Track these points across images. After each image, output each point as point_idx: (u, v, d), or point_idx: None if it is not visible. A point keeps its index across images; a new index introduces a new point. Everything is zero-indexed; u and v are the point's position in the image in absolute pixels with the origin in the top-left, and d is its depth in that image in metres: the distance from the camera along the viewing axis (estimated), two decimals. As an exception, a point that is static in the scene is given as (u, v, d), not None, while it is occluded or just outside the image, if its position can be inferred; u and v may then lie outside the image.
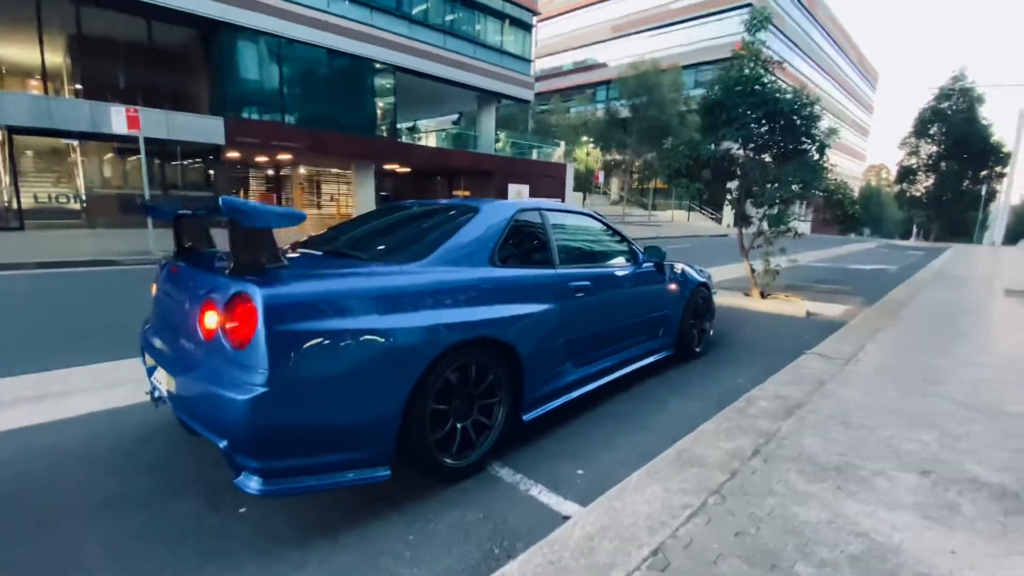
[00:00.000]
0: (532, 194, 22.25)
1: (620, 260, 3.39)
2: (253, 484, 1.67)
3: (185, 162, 15.98)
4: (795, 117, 7.38)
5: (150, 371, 2.18)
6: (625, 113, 31.27)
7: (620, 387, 3.32)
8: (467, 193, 22.88)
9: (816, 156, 7.43)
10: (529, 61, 22.40)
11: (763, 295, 7.11)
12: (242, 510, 1.96)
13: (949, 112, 29.67)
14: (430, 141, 23.46)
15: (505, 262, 2.48)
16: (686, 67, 37.22)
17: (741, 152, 8.04)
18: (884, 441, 2.43)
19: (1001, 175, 29.61)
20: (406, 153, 19.37)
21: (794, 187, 7.20)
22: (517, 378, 2.40)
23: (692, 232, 25.32)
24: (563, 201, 24.71)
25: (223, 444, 1.66)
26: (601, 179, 26.50)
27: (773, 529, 1.72)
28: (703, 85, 39.00)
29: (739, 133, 7.69)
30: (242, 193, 21.81)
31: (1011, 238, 34.81)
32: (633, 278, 3.34)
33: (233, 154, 16.17)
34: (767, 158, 8.01)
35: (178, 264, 2.15)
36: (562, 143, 32.38)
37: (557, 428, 2.74)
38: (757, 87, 7.70)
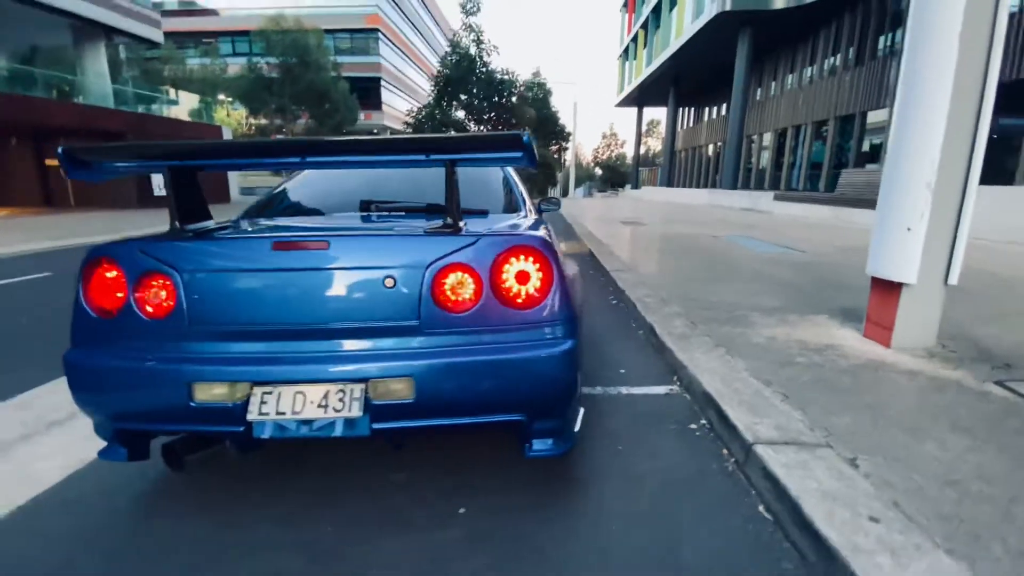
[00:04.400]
0: (184, 163, 17.87)
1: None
2: (552, 445, 1.56)
3: None
4: (507, 97, 9.07)
5: (235, 407, 1.40)
6: (273, 72, 28.12)
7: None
8: (76, 163, 16.26)
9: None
10: None
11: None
12: (462, 510, 1.67)
13: (531, 100, 39.89)
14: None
15: None
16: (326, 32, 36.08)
17: (472, 125, 9.32)
18: (720, 301, 3.97)
19: (565, 148, 42.36)
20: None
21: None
22: None
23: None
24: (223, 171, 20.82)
25: (519, 417, 1.48)
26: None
27: (764, 351, 2.81)
28: (343, 53, 39.02)
29: (469, 106, 8.95)
30: None
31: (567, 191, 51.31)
32: None
33: None
34: (485, 129, 9.58)
35: (310, 237, 1.44)
36: (188, 98, 26.51)
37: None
38: (479, 66, 9.00)
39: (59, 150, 1.48)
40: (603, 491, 1.77)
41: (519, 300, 1.48)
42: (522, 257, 1.48)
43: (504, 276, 1.47)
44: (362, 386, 1.43)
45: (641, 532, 1.55)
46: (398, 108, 45.71)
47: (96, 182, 1.70)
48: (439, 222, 1.58)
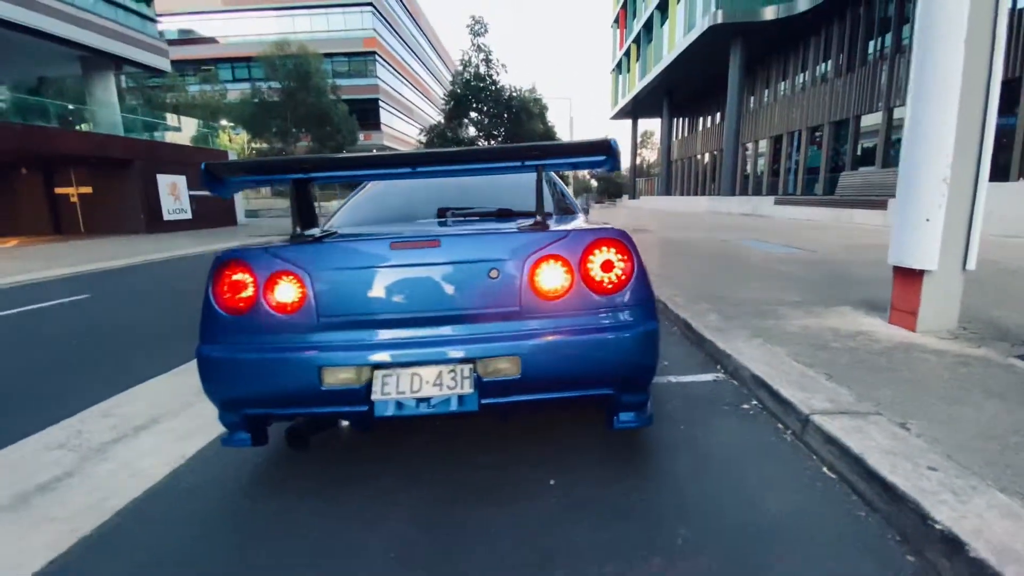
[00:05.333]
0: (193, 186, 18.23)
1: None
2: (635, 417, 1.74)
3: None
4: (523, 113, 9.44)
5: (361, 388, 1.58)
6: (274, 97, 28.71)
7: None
8: (87, 191, 16.56)
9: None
10: (152, 20, 17.47)
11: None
12: (552, 482, 1.85)
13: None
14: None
15: None
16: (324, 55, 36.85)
17: (482, 141, 9.68)
18: (745, 298, 4.17)
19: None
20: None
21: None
22: None
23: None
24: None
25: (608, 391, 1.66)
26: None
27: (799, 339, 3.00)
28: (341, 76, 39.76)
29: (479, 123, 9.34)
30: None
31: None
32: None
33: None
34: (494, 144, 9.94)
35: (423, 236, 1.64)
36: (190, 124, 27.01)
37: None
38: (488, 84, 9.39)
39: (203, 166, 1.69)
40: (676, 462, 1.95)
41: (606, 286, 1.67)
42: (606, 248, 1.68)
43: (592, 265, 1.66)
44: (471, 366, 1.61)
45: (721, 494, 1.72)
46: (397, 128, 46.45)
47: (226, 196, 1.91)
48: (530, 221, 1.78)
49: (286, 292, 1.65)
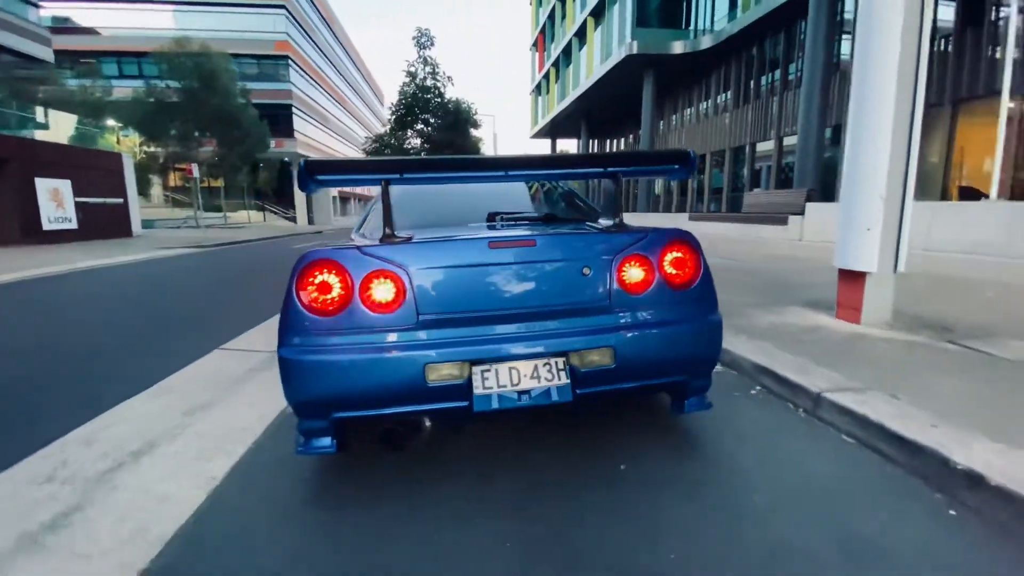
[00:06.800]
0: (79, 192, 16.06)
1: None
2: (699, 402, 1.94)
3: None
4: (468, 125, 9.62)
5: (463, 384, 1.61)
6: (173, 97, 26.18)
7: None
8: (-60, 194, 13.88)
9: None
10: (33, 4, 15.17)
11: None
12: (622, 467, 1.98)
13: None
14: None
15: None
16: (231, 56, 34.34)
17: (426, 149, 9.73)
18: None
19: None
20: None
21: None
22: None
23: (276, 233, 25.05)
24: (125, 201, 18.90)
25: (679, 379, 1.85)
26: (196, 172, 21.17)
27: (773, 334, 3.43)
28: (249, 78, 37.28)
29: (424, 134, 9.42)
30: None
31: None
32: None
33: None
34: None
35: (520, 236, 1.70)
36: (71, 121, 23.87)
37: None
38: (434, 96, 9.49)
39: (301, 163, 1.64)
40: (720, 442, 2.18)
41: (681, 281, 1.87)
42: (679, 247, 1.88)
43: (668, 262, 1.85)
44: (563, 359, 1.72)
45: (770, 463, 1.97)
46: (311, 136, 44.30)
47: (310, 193, 1.85)
48: (602, 224, 1.93)
49: (385, 291, 1.65)
